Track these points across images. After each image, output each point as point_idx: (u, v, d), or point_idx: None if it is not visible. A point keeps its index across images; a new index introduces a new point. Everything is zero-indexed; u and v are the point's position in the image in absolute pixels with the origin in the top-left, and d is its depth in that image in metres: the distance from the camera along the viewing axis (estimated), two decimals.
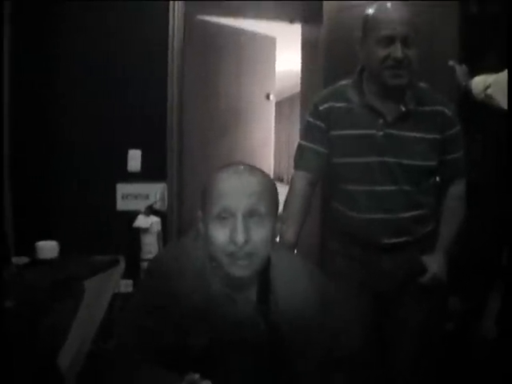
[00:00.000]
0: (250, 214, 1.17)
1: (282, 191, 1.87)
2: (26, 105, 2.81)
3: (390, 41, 1.69)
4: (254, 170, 1.24)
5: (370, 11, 1.76)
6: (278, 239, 1.50)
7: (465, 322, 2.57)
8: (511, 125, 1.93)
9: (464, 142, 1.89)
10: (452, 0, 2.61)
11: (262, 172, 1.26)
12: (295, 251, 1.91)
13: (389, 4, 1.75)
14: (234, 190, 1.17)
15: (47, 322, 1.52)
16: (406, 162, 1.77)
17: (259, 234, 1.17)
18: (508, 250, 2.24)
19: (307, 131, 1.89)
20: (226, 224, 1.16)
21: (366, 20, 1.76)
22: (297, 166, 1.90)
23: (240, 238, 1.14)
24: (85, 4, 2.85)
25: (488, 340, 2.34)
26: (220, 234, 1.17)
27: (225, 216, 1.16)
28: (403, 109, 1.77)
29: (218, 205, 1.17)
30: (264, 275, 1.25)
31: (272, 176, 4.32)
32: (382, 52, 1.71)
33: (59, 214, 2.89)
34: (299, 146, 1.91)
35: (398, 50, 1.68)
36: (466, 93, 2.31)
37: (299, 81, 3.84)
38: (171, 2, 2.93)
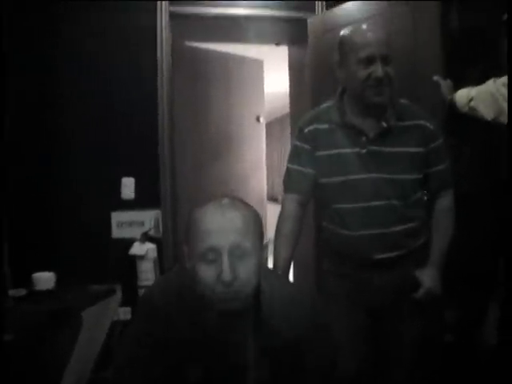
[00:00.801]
0: (236, 251, 1.16)
1: (277, 211, 1.89)
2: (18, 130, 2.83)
3: (370, 61, 1.73)
4: (236, 203, 1.23)
5: (346, 33, 1.80)
6: (270, 263, 1.51)
7: (464, 333, 2.57)
8: (511, 134, 1.96)
9: (450, 154, 1.91)
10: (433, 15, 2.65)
11: (245, 204, 1.25)
12: (291, 272, 1.92)
13: (364, 25, 1.80)
14: (218, 228, 1.16)
15: (46, 353, 1.52)
16: (391, 176, 1.79)
17: (246, 269, 1.16)
18: (503, 261, 2.26)
19: (294, 154, 1.91)
20: (212, 263, 1.15)
21: (343, 42, 1.80)
22: (286, 189, 1.92)
23: (227, 277, 1.13)
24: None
25: (489, 345, 2.34)
26: (207, 274, 1.15)
27: (211, 257, 1.15)
28: (384, 125, 1.80)
29: (203, 243, 1.16)
30: (255, 301, 1.24)
31: (266, 197, 4.33)
32: (363, 72, 1.74)
33: (55, 245, 2.89)
34: (287, 169, 1.93)
35: (378, 70, 1.72)
36: (451, 106, 2.34)
37: (288, 101, 3.88)
38: (158, 27, 2.98)
